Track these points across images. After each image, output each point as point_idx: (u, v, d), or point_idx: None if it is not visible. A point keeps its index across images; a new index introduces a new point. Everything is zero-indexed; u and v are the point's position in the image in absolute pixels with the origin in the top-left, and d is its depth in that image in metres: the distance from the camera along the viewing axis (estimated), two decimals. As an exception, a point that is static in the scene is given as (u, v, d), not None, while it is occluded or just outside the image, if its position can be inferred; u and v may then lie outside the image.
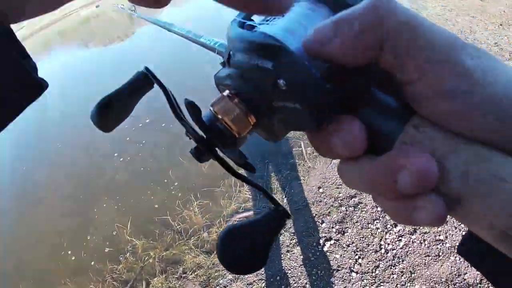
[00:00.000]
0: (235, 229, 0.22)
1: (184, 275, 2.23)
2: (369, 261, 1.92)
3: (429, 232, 2.00)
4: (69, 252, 2.74)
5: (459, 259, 1.87)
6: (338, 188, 2.35)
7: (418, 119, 0.16)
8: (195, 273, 2.20)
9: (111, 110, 0.28)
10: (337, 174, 2.22)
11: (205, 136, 0.22)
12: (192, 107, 0.22)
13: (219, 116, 0.21)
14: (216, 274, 2.15)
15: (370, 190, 0.18)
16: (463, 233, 2.00)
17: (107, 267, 2.47)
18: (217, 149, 0.22)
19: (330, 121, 0.18)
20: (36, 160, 4.36)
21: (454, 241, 1.97)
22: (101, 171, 3.58)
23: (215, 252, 2.26)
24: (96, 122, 0.28)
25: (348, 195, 2.28)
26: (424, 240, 1.98)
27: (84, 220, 3.01)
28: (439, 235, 2.00)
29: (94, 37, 9.36)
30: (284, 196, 2.42)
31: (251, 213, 2.40)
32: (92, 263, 2.55)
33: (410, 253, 1.92)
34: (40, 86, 0.19)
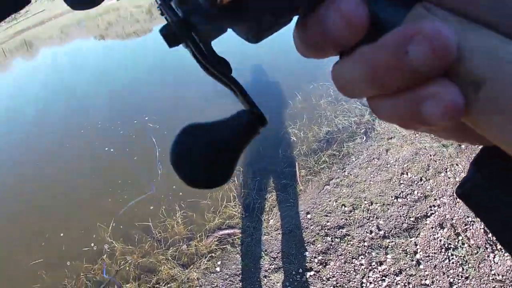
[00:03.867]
0: (196, 126, 0.19)
1: (157, 285, 2.16)
2: (347, 299, 1.82)
3: (415, 275, 1.90)
4: (49, 245, 2.69)
5: (444, 308, 1.77)
6: (327, 216, 2.26)
7: (425, 3, 0.15)
8: (168, 286, 2.13)
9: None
10: (327, 200, 2.11)
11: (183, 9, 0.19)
12: None
13: None
14: (189, 290, 2.08)
15: (371, 82, 0.15)
16: (451, 279, 1.90)
17: (83, 265, 2.41)
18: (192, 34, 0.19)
19: None
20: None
21: (440, 287, 1.86)
22: (93, 165, 3.54)
23: (191, 267, 2.18)
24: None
25: (336, 225, 2.19)
26: (409, 283, 1.87)
27: (67, 215, 2.96)
28: (425, 279, 1.89)
29: (112, 29, 9.45)
30: (270, 218, 2.33)
31: (234, 230, 2.32)
32: (69, 259, 2.49)
33: (392, 296, 1.82)
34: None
